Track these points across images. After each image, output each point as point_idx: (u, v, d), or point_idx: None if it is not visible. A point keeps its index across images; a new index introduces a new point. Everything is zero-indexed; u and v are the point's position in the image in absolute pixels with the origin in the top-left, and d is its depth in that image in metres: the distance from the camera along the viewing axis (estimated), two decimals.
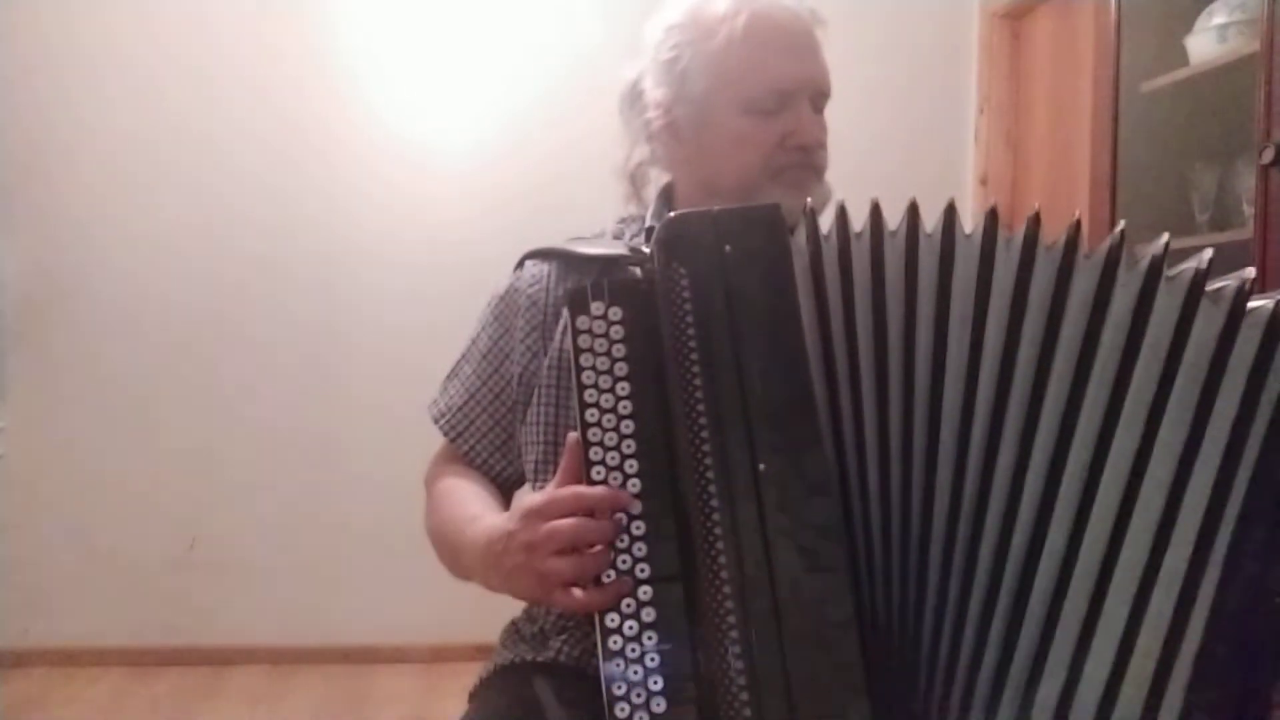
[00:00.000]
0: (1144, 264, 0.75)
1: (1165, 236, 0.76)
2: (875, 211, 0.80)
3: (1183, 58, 2.08)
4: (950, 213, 0.78)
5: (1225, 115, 2.05)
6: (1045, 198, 2.87)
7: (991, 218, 0.77)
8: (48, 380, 2.99)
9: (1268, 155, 1.69)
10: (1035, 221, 0.77)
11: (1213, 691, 0.72)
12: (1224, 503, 0.73)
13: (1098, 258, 0.76)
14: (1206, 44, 2.03)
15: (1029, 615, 0.75)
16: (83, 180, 2.97)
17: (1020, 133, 3.06)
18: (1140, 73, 2.14)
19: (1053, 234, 0.77)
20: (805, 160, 1.03)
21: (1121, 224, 0.77)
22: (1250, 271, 0.75)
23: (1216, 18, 2.00)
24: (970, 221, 0.78)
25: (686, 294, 0.78)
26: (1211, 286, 0.75)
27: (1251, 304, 0.74)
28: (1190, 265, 0.75)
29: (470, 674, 1.11)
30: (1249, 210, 1.90)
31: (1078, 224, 0.77)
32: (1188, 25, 2.07)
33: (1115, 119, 2.16)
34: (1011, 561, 0.76)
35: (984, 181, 3.09)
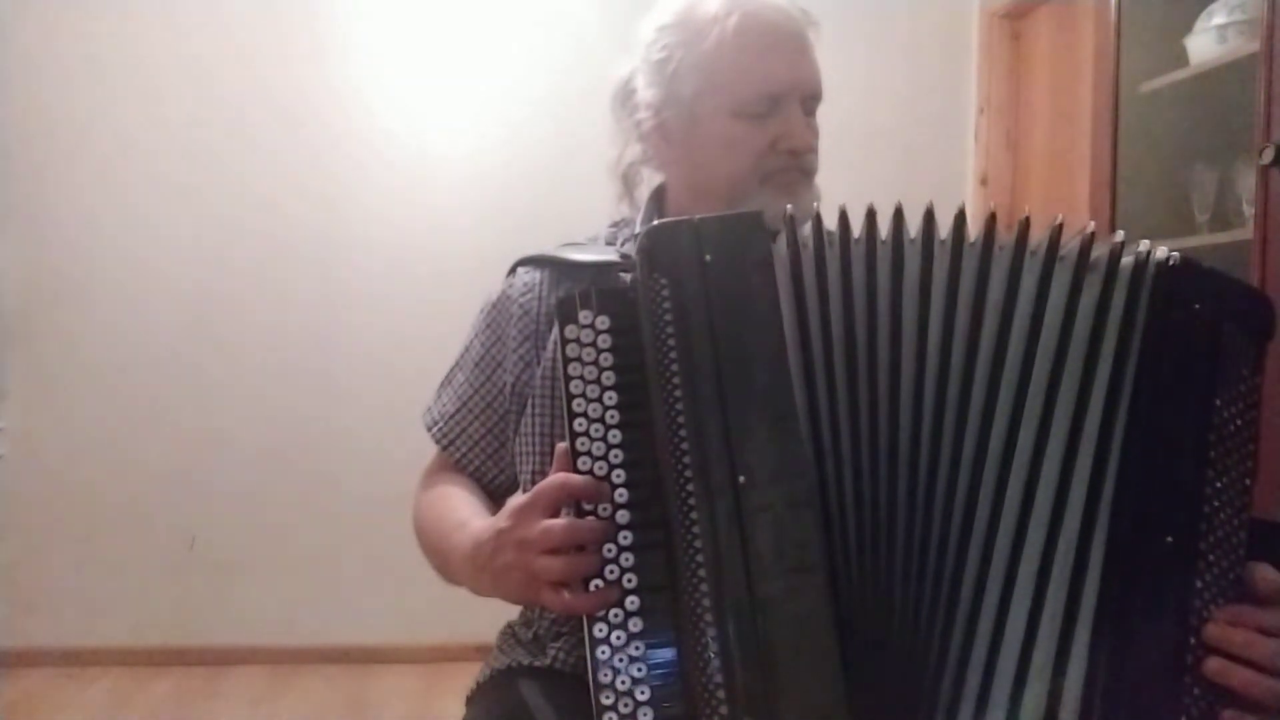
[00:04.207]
0: (1041, 250, 0.80)
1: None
2: (843, 220, 0.81)
3: (1183, 58, 2.07)
4: (897, 217, 0.80)
5: (1225, 115, 2.04)
6: (1045, 198, 2.87)
7: (928, 220, 0.80)
8: (48, 380, 3.00)
9: (1268, 155, 1.69)
10: (960, 219, 0.80)
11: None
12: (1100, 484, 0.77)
13: (1006, 251, 0.80)
14: (1206, 44, 2.02)
15: (962, 599, 0.77)
16: (82, 181, 2.98)
17: (1020, 133, 3.05)
18: (1140, 73, 2.13)
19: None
20: (795, 164, 1.02)
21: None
22: (1120, 235, 0.81)
23: (1216, 18, 1.99)
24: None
25: (667, 304, 0.78)
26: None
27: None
28: (1075, 239, 0.80)
29: (470, 674, 1.11)
30: (1249, 210, 1.89)
31: (992, 216, 0.81)
32: (1188, 25, 2.06)
33: (1115, 119, 2.16)
34: (950, 557, 0.78)
35: (984, 182, 3.08)
